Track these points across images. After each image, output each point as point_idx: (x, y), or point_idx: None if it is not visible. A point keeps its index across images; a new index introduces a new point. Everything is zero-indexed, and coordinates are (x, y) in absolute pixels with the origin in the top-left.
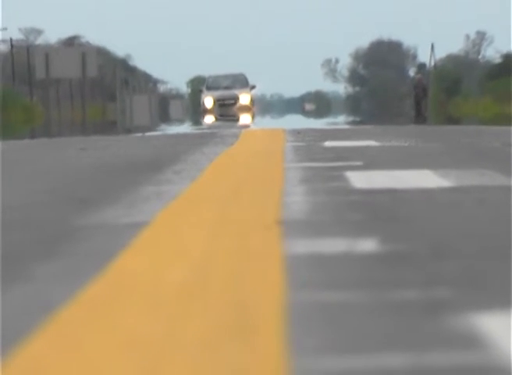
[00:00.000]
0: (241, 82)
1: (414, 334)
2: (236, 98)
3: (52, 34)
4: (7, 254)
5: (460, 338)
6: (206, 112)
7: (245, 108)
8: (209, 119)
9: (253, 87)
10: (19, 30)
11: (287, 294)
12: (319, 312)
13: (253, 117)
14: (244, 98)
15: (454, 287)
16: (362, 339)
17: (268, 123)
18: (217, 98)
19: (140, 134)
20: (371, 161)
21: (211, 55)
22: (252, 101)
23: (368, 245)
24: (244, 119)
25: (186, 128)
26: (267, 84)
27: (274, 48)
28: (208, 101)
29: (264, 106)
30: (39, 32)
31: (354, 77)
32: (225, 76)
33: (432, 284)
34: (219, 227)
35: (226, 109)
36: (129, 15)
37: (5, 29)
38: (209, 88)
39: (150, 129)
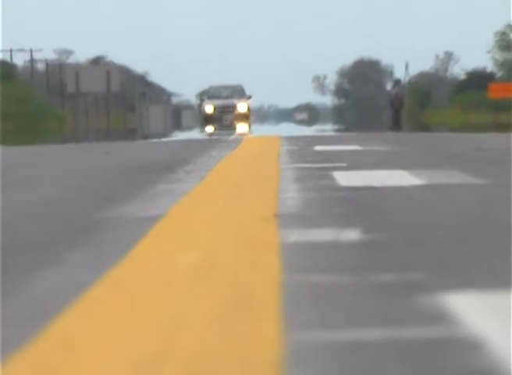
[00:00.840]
0: (239, 92)
1: (392, 311)
2: (234, 107)
3: (81, 55)
4: (42, 242)
5: (431, 315)
6: (207, 118)
7: (242, 116)
8: (209, 128)
9: (249, 97)
10: (53, 51)
11: (283, 276)
12: (310, 292)
13: (250, 125)
14: (242, 107)
15: (426, 271)
16: (347, 315)
17: (266, 129)
18: (217, 106)
19: (155, 140)
20: (355, 163)
21: (217, 71)
22: (249, 109)
23: (352, 235)
24: (241, 128)
25: (195, 134)
26: (264, 97)
27: (271, 66)
28: (209, 109)
29: (261, 116)
30: (70, 53)
31: (340, 91)
32: (225, 87)
33: (407, 268)
34: (224, 219)
35: (225, 116)
36: (146, 37)
37: (41, 50)
38: (210, 97)
39: (164, 135)
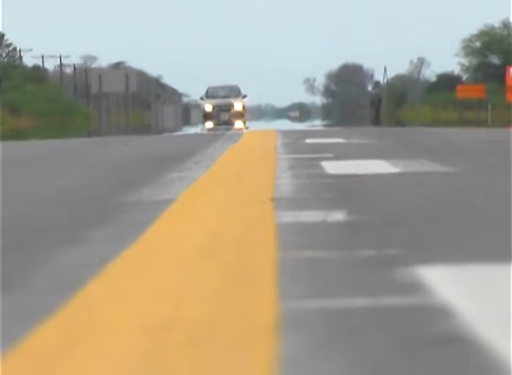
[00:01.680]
0: (235, 92)
1: (373, 282)
2: (231, 105)
3: (104, 60)
4: (69, 223)
5: (407, 285)
6: (206, 115)
7: (238, 114)
8: (209, 124)
9: (245, 96)
10: (80, 57)
11: (278, 252)
12: (302, 266)
13: (245, 122)
14: (238, 105)
15: (402, 247)
16: (334, 286)
17: (263, 125)
18: (215, 105)
19: (168, 134)
20: (340, 153)
21: (221, 74)
22: (244, 107)
23: (337, 216)
24: (237, 124)
25: (202, 129)
26: (262, 97)
27: (268, 70)
28: (208, 107)
29: (259, 113)
30: (94, 58)
31: (327, 92)
32: (223, 87)
33: (385, 245)
34: (227, 203)
35: (223, 114)
36: (159, 45)
37: (68, 56)
38: (209, 97)
39: (175, 130)
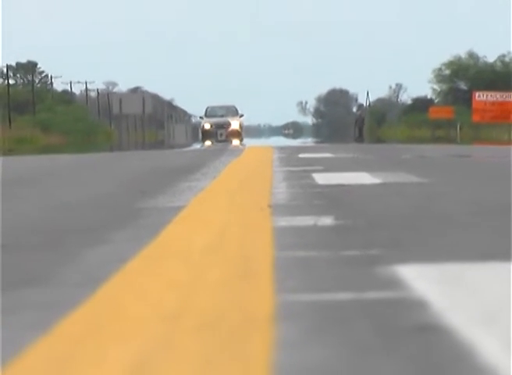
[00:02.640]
0: (232, 112)
1: (357, 279)
2: (228, 124)
3: (123, 85)
4: (92, 226)
5: (387, 281)
6: (205, 133)
7: (235, 131)
8: (208, 142)
9: (241, 116)
10: (103, 82)
11: (275, 251)
12: (295, 264)
13: (241, 139)
14: (235, 124)
15: (383, 248)
16: (324, 281)
17: (262, 142)
18: (213, 123)
19: (179, 149)
20: (328, 166)
21: (224, 97)
22: (241, 126)
23: (326, 220)
24: (234, 141)
25: (202, 146)
26: (260, 117)
27: (265, 93)
28: (207, 125)
29: (258, 131)
30: (115, 84)
31: (317, 113)
32: (220, 107)
33: (368, 246)
34: (231, 209)
35: (220, 131)
36: (171, 73)
37: (93, 82)
38: (208, 116)
39: (186, 146)
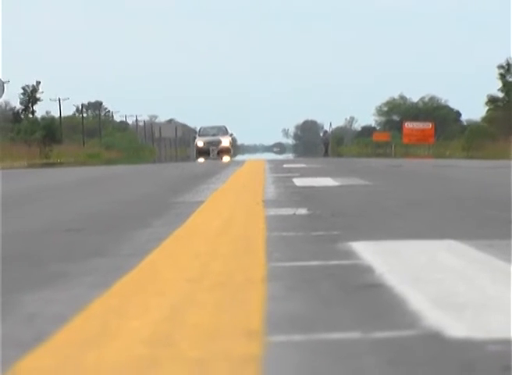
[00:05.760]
0: (223, 131)
1: (323, 251)
2: (219, 142)
3: (162, 117)
4: (139, 215)
5: (344, 253)
6: (198, 150)
7: (226, 149)
8: (201, 159)
9: (231, 135)
10: (148, 115)
11: (266, 232)
12: (280, 241)
13: (231, 156)
14: (225, 142)
15: (342, 230)
16: (300, 253)
17: (257, 156)
18: (206, 141)
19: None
20: (303, 173)
21: (233, 122)
22: (231, 143)
23: (302, 211)
24: (225, 158)
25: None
26: (256, 139)
27: (260, 123)
28: (200, 144)
29: (255, 149)
30: (156, 116)
31: (296, 136)
32: (212, 127)
33: (331, 228)
34: (236, 203)
35: (212, 148)
36: (197, 106)
37: (141, 115)
38: (200, 135)
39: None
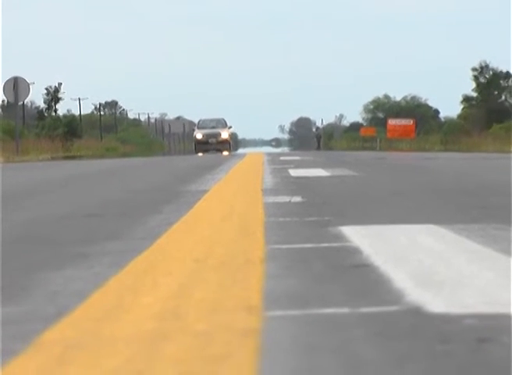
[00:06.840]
0: (222, 124)
1: (316, 235)
2: (218, 134)
3: (171, 115)
4: (150, 202)
5: (335, 236)
6: (198, 143)
7: (224, 141)
8: (200, 153)
9: (230, 127)
10: (159, 113)
11: (265, 218)
12: (277, 225)
13: (230, 148)
14: (224, 134)
15: (333, 216)
16: (295, 237)
17: (257, 149)
18: (205, 134)
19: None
20: (298, 164)
21: (236, 118)
22: (230, 136)
23: (297, 199)
24: (224, 152)
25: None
26: (256, 134)
27: (262, 118)
28: (199, 136)
29: (255, 143)
30: (165, 114)
31: (291, 132)
32: (211, 120)
33: (323, 214)
34: (238, 191)
35: (211, 141)
36: (200, 102)
37: (153, 113)
38: (200, 128)
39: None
